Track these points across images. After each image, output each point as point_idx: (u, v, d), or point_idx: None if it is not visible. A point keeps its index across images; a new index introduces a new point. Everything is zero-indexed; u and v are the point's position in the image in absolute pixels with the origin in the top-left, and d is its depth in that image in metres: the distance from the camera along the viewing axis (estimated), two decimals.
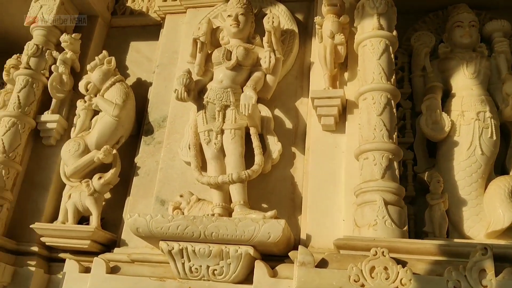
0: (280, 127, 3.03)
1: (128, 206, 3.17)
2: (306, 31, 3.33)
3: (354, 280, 1.90)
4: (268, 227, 2.43)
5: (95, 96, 3.40)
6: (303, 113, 3.06)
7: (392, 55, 2.65)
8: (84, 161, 3.17)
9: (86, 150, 3.22)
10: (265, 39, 3.02)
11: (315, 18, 2.96)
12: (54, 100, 3.46)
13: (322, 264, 2.04)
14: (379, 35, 2.65)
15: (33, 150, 3.42)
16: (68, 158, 3.20)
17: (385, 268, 1.92)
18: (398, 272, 1.89)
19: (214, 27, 3.28)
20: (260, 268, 2.40)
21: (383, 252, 1.95)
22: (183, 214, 2.81)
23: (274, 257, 2.60)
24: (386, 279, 1.89)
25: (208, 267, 2.55)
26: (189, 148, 2.99)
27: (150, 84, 3.61)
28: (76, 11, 3.78)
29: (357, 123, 2.67)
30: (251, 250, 2.47)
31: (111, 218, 3.23)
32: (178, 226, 2.54)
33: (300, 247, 2.12)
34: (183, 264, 2.59)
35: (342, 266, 2.00)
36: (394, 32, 2.71)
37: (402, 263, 1.96)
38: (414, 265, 1.97)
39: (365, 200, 2.31)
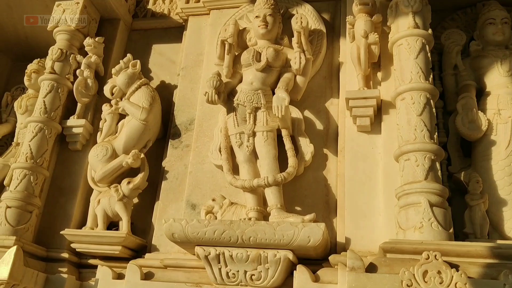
0: (311, 129, 2.99)
1: (157, 211, 3.14)
2: (333, 30, 3.29)
3: (407, 285, 1.86)
4: (308, 231, 2.39)
5: (121, 100, 3.37)
6: (334, 114, 3.02)
7: (429, 54, 2.61)
8: (113, 166, 3.13)
9: (114, 154, 3.19)
10: (294, 39, 2.98)
11: (347, 17, 2.91)
12: (79, 105, 3.43)
13: (371, 268, 2.00)
14: (415, 33, 2.61)
15: (59, 156, 3.40)
16: (96, 163, 3.17)
17: (439, 272, 1.88)
18: (452, 276, 1.85)
19: (241, 28, 3.24)
20: (302, 273, 2.36)
21: (435, 255, 1.91)
22: (216, 218, 2.77)
23: (310, 261, 2.56)
24: (440, 283, 1.85)
25: (245, 272, 2.51)
26: (220, 151, 2.95)
27: (174, 86, 3.58)
28: (98, 15, 3.75)
29: (393, 123, 2.63)
30: (290, 255, 2.44)
31: (140, 223, 3.20)
32: (215, 231, 2.51)
33: (348, 251, 2.08)
34: (219, 269, 2.55)
35: (392, 271, 1.96)
36: (430, 31, 2.67)
37: (454, 266, 1.91)
38: (466, 269, 1.92)
39: (408, 202, 2.26)
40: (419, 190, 2.25)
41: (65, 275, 2.87)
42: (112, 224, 3.17)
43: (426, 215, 2.17)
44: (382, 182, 2.58)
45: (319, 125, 3.01)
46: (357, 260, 1.99)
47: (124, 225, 3.02)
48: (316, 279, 2.36)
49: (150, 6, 3.96)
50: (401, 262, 2.00)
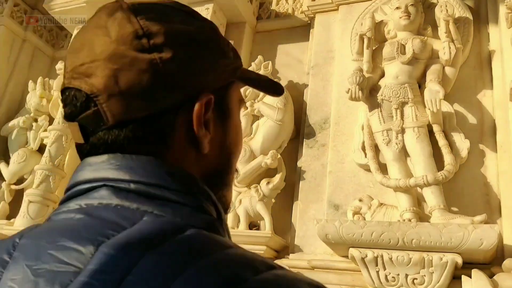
0: (463, 123, 2.78)
1: (297, 211, 3.11)
2: (478, 17, 3.05)
3: None
4: (480, 233, 2.21)
5: (254, 101, 3.40)
6: (488, 107, 2.79)
7: None
8: (252, 167, 3.16)
9: (252, 155, 3.22)
10: (441, 29, 2.80)
11: (506, 1, 2.67)
12: None
13: None
14: None
15: None
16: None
17: None
18: None
19: (377, 21, 3.12)
20: (479, 278, 2.18)
21: None
22: (364, 219, 2.67)
23: (473, 264, 2.37)
24: None
25: (406, 276, 2.38)
26: (363, 150, 2.85)
27: (303, 85, 3.54)
28: (225, 19, 3.83)
29: None
30: (458, 258, 2.27)
31: (278, 223, 3.18)
32: (372, 232, 2.41)
33: None
34: (377, 272, 2.44)
35: None
36: None
37: None
38: None
39: None
40: None
41: None
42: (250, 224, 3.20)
43: None
44: None
45: (472, 119, 2.79)
46: None
47: (267, 225, 3.02)
48: (494, 285, 2.17)
49: (273, 7, 3.97)
50: None
